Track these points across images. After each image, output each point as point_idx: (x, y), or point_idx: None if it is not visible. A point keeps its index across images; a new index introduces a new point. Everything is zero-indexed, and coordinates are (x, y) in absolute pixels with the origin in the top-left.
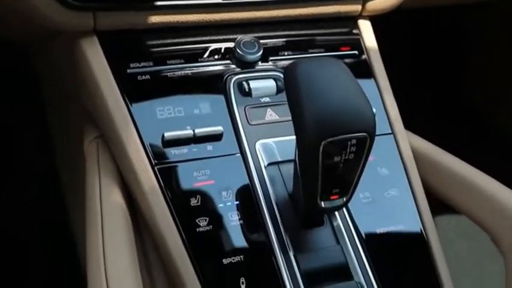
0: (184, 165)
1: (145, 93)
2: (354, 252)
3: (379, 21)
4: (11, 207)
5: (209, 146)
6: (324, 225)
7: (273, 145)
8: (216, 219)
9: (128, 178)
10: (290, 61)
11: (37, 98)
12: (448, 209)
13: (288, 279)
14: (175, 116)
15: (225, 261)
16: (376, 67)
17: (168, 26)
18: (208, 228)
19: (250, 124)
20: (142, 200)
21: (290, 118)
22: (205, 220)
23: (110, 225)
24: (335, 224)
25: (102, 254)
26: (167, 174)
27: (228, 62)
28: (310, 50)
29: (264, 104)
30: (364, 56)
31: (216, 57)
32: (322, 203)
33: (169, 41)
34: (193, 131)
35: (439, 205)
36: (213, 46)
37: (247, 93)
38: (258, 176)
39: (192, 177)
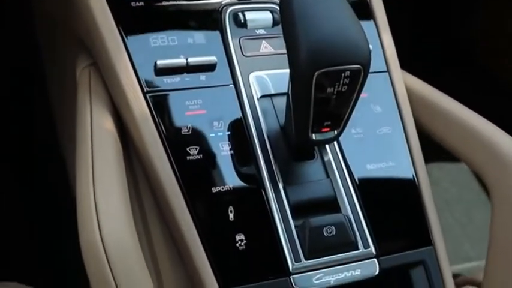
0: (176, 94)
1: (138, 21)
2: (343, 187)
3: None
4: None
5: (202, 76)
6: (315, 158)
7: (266, 78)
8: (207, 149)
9: (119, 105)
10: None
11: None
12: (440, 156)
13: (277, 210)
14: (168, 44)
15: (214, 189)
16: (376, 5)
17: None
18: (199, 157)
19: (244, 55)
20: (133, 127)
21: (285, 51)
22: (196, 149)
23: (99, 150)
24: (325, 158)
25: (92, 177)
26: (159, 103)
27: None
28: None
29: (259, 36)
30: None
31: None
32: (313, 135)
33: None
34: (187, 60)
35: (432, 152)
36: None
37: (243, 25)
38: (250, 108)
39: (183, 106)
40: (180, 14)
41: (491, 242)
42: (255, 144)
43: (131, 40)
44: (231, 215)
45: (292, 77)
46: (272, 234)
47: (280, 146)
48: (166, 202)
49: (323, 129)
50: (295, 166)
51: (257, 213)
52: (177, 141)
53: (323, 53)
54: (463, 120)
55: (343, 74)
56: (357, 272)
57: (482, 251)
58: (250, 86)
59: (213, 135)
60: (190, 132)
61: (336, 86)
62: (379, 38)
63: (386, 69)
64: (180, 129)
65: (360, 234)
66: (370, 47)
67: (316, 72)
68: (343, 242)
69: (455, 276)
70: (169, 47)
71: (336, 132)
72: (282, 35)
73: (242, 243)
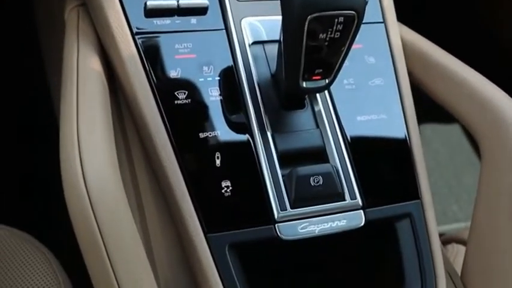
0: (166, 37)
1: None
2: (332, 137)
3: None
4: None
5: (193, 19)
6: (305, 108)
7: (259, 24)
8: (195, 93)
9: (107, 47)
10: None
11: None
12: (433, 117)
13: (264, 158)
14: None
15: (201, 135)
16: None
17: None
18: (187, 102)
19: (237, 0)
20: (121, 69)
21: None
22: (184, 93)
23: (84, 88)
24: (316, 108)
25: (76, 114)
26: (147, 44)
27: None
28: None
29: None
30: None
31: None
32: (304, 83)
33: None
34: (178, 1)
35: (425, 113)
36: None
37: None
38: (241, 54)
39: (173, 49)
40: None
41: (478, 200)
42: (244, 90)
43: None
44: (218, 161)
45: (284, 21)
46: (258, 181)
47: (270, 94)
48: (152, 145)
49: (314, 77)
50: (284, 115)
51: (244, 160)
52: (165, 84)
53: None
54: (457, 74)
55: (336, 20)
56: (343, 223)
57: (470, 213)
58: (242, 32)
59: (202, 80)
60: (179, 76)
61: (329, 33)
62: None
63: (382, 20)
64: (168, 72)
65: (347, 185)
66: None
67: (308, 17)
68: (330, 193)
69: (441, 235)
70: None
71: (327, 81)
72: None
73: (228, 190)
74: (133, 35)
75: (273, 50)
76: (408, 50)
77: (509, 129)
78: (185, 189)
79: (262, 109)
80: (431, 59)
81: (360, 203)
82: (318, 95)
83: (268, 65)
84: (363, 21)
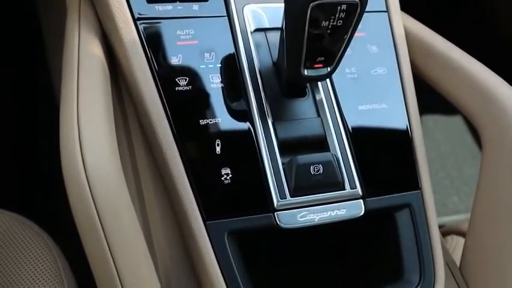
0: (168, 23)
1: None
2: (333, 126)
3: None
4: None
5: (195, 6)
6: (306, 96)
7: (261, 11)
8: (196, 80)
9: (108, 31)
10: None
11: None
12: (435, 108)
13: (264, 146)
14: None
15: (202, 122)
16: None
17: None
18: (188, 88)
19: None
20: (122, 54)
21: None
22: (185, 80)
23: (85, 73)
24: (317, 96)
25: (76, 100)
26: (149, 30)
27: None
28: None
29: None
30: None
31: None
32: (306, 70)
33: None
34: None
35: (427, 104)
36: None
37: None
38: (243, 41)
39: (174, 35)
40: None
41: (478, 192)
42: (246, 78)
43: None
44: (218, 149)
45: (286, 9)
46: (258, 169)
47: (271, 82)
48: (152, 132)
49: (316, 65)
50: (285, 103)
51: (244, 148)
52: (166, 70)
53: None
54: (458, 63)
55: (339, 8)
56: (342, 212)
57: (470, 205)
58: (244, 19)
59: (204, 66)
60: (180, 62)
61: (331, 20)
62: None
63: (385, 9)
64: (170, 59)
65: (347, 174)
66: None
67: (311, 4)
68: (330, 181)
69: (441, 226)
70: None
71: (328, 69)
72: None
73: (227, 177)
74: (134, 20)
75: (275, 37)
76: (410, 39)
77: (510, 119)
78: (185, 176)
79: (263, 97)
80: (433, 48)
81: (360, 192)
82: (319, 83)
83: (270, 53)
84: (366, 10)
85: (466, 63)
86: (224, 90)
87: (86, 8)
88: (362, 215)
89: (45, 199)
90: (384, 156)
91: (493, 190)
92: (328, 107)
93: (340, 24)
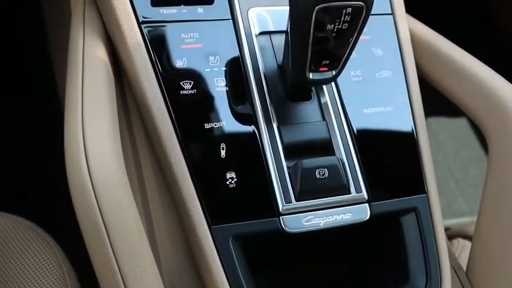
0: (172, 26)
1: None
2: (339, 130)
3: None
4: None
5: (199, 9)
6: (311, 100)
7: (266, 14)
8: (201, 84)
9: (113, 35)
10: None
11: None
12: (440, 110)
13: (269, 150)
14: None
15: (207, 125)
16: None
17: None
18: (192, 92)
19: None
20: (127, 58)
21: None
22: (190, 83)
23: (90, 76)
24: (322, 100)
25: (81, 103)
26: (154, 34)
27: None
28: None
29: None
30: None
31: None
32: (311, 74)
33: None
34: None
35: (432, 105)
36: None
37: None
38: (248, 44)
39: (179, 39)
40: None
41: (484, 195)
42: (250, 81)
43: None
44: (223, 152)
45: (291, 12)
46: (263, 173)
47: (276, 85)
48: (157, 135)
49: (321, 69)
50: (290, 106)
51: (249, 151)
52: (171, 74)
53: None
54: (464, 67)
55: (344, 11)
56: (348, 216)
57: (476, 207)
58: (249, 22)
59: (209, 70)
60: (185, 65)
61: (336, 24)
62: None
63: (391, 12)
64: (174, 62)
65: (352, 178)
66: None
67: (316, 7)
68: (335, 185)
69: (446, 229)
70: None
71: (334, 72)
72: None
73: (232, 182)
74: (139, 23)
75: (280, 40)
76: (414, 42)
77: None
78: (189, 180)
79: (268, 100)
80: (438, 51)
81: (366, 196)
82: (324, 86)
83: (275, 56)
84: (371, 13)
85: (471, 66)
86: (229, 93)
87: (90, 11)
88: (368, 219)
89: (49, 201)
90: (390, 159)
91: (500, 194)
92: (333, 111)
93: (346, 27)
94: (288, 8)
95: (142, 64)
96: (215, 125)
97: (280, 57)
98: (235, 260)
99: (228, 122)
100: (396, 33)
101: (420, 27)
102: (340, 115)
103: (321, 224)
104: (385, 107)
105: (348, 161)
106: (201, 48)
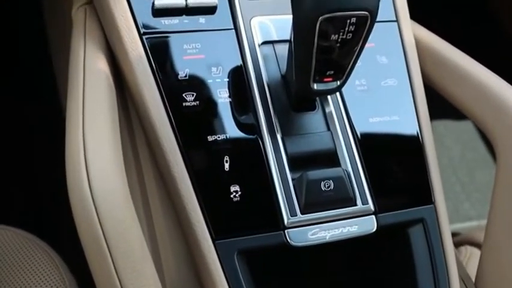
0: (174, 37)
1: None
2: (344, 140)
3: None
4: None
5: (201, 19)
6: (316, 110)
7: (269, 23)
8: (204, 95)
9: (114, 46)
10: None
11: None
12: (445, 113)
13: (274, 162)
14: None
15: (210, 138)
16: None
17: None
18: (195, 104)
19: None
20: (128, 70)
21: None
22: (193, 95)
23: (91, 88)
24: (327, 110)
25: (82, 116)
26: (155, 45)
27: None
28: None
29: None
30: None
31: None
32: (315, 84)
33: None
34: (186, 1)
35: (437, 109)
36: None
37: None
38: (251, 54)
39: (181, 50)
40: None
41: (493, 204)
42: (254, 92)
43: None
44: (227, 165)
45: (295, 22)
46: (268, 186)
47: (280, 96)
48: (159, 148)
49: (325, 79)
50: (295, 117)
51: (253, 164)
52: (173, 86)
53: None
54: (470, 73)
55: (348, 21)
56: (354, 229)
57: (482, 211)
58: (251, 31)
59: (211, 81)
60: (187, 77)
61: (341, 34)
62: None
63: (395, 19)
64: (176, 74)
65: (358, 189)
66: None
67: (320, 18)
68: (341, 197)
69: (453, 234)
70: None
71: (338, 82)
72: None
73: (237, 195)
74: (140, 35)
75: (283, 50)
76: (419, 48)
77: None
78: (193, 193)
79: (272, 111)
80: (444, 58)
81: (372, 208)
82: (329, 96)
83: (278, 66)
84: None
85: (476, 72)
86: (232, 104)
87: (91, 22)
88: (374, 231)
89: (49, 206)
90: (396, 170)
91: (510, 202)
92: (338, 121)
93: (350, 37)
94: (291, 16)
95: (144, 76)
96: (218, 137)
97: (283, 67)
98: (240, 275)
99: (231, 134)
100: (401, 40)
101: (425, 34)
102: (345, 125)
103: (327, 237)
104: (391, 116)
105: (353, 172)
106: (203, 59)
